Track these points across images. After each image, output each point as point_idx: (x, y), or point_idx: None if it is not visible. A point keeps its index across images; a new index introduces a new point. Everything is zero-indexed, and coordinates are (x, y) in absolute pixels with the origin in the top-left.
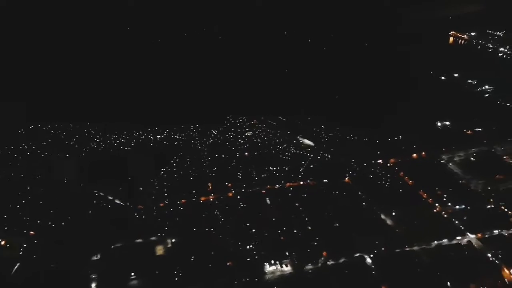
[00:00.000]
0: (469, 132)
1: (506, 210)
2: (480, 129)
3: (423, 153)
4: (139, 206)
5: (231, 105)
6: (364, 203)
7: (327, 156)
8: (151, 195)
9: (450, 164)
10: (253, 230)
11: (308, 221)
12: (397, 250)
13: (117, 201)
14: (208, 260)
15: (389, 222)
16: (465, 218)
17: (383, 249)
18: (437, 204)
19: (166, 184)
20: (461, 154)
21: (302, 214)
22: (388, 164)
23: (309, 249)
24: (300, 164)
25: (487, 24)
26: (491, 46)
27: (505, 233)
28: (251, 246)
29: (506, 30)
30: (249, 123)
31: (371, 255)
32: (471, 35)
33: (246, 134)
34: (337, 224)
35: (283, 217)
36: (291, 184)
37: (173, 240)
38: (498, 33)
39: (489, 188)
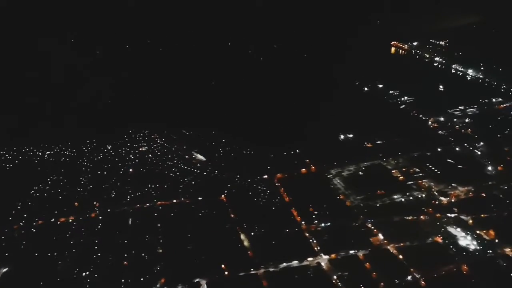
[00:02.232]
0: (369, 145)
1: (372, 227)
2: (380, 142)
3: (313, 167)
4: None
5: (136, 118)
6: (229, 223)
7: (213, 172)
8: (8, 216)
9: (336, 178)
10: (98, 255)
11: (162, 243)
12: (241, 274)
13: None
14: None
15: (246, 243)
16: (326, 237)
17: (226, 273)
18: (303, 222)
19: (30, 204)
20: (352, 168)
21: (159, 235)
22: (274, 180)
23: (149, 275)
24: (183, 181)
25: (432, 34)
26: (428, 56)
27: (360, 253)
28: (87, 273)
29: (450, 39)
30: (149, 137)
31: (209, 281)
32: (413, 45)
33: (141, 149)
34: (190, 247)
35: (137, 239)
36: (162, 202)
37: (5, 270)
38: (440, 42)
39: (364, 204)
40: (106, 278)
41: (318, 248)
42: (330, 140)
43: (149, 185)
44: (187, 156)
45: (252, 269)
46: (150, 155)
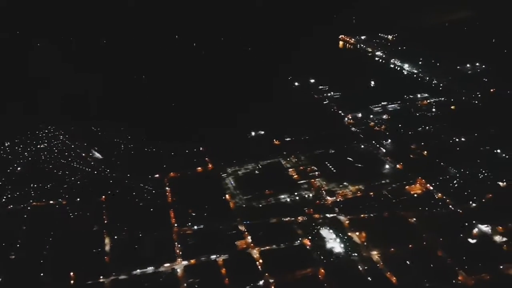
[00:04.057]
0: (277, 142)
1: (244, 230)
2: (289, 139)
3: (210, 166)
4: None
5: (45, 113)
6: (98, 226)
7: (105, 171)
8: None
9: (230, 178)
10: None
11: (18, 249)
12: (88, 282)
13: None
14: None
15: (107, 248)
16: (192, 240)
17: (72, 282)
18: (176, 225)
19: None
20: (249, 166)
21: (18, 240)
22: (165, 180)
23: None
24: (69, 181)
25: (380, 27)
26: (370, 50)
27: (221, 258)
28: None
29: (398, 33)
30: (54, 134)
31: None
32: (361, 39)
33: (39, 146)
34: (45, 253)
35: None
36: (37, 203)
37: None
38: (388, 36)
39: (247, 204)
40: None
41: (180, 253)
42: (239, 138)
43: (32, 185)
44: (84, 154)
45: (101, 277)
46: (46, 153)
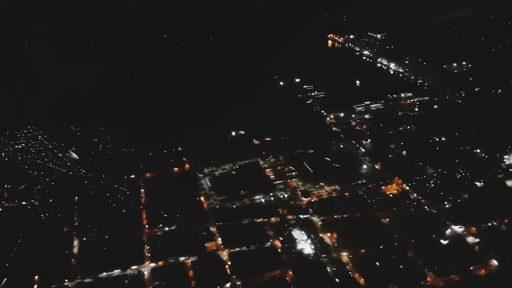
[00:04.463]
0: (256, 142)
1: (215, 231)
2: (269, 139)
3: (187, 166)
4: None
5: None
6: (68, 227)
7: (80, 172)
8: None
9: (206, 178)
10: None
11: None
12: (52, 286)
13: None
14: None
15: (75, 250)
16: (161, 242)
17: (35, 286)
18: (147, 226)
19: None
20: (227, 167)
21: None
22: (140, 180)
23: None
24: (43, 181)
25: (370, 26)
26: (358, 50)
27: (189, 260)
28: None
29: (387, 32)
30: (33, 133)
31: None
32: (349, 38)
33: (16, 146)
34: (12, 255)
35: None
36: (9, 204)
37: None
38: (377, 35)
39: (221, 205)
40: None
41: (149, 255)
42: (219, 137)
43: (5, 186)
44: (60, 155)
45: (66, 281)
46: (23, 153)
